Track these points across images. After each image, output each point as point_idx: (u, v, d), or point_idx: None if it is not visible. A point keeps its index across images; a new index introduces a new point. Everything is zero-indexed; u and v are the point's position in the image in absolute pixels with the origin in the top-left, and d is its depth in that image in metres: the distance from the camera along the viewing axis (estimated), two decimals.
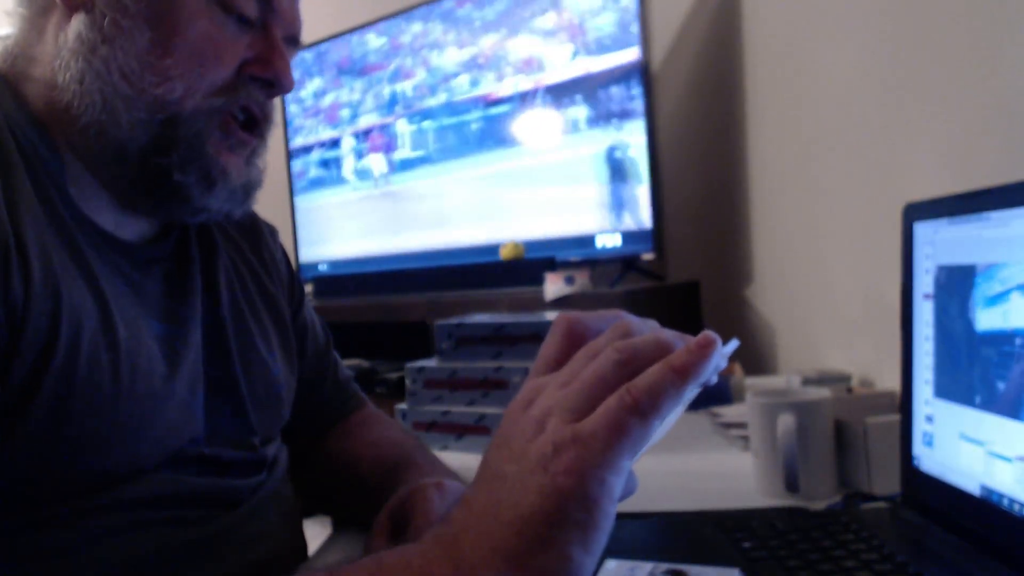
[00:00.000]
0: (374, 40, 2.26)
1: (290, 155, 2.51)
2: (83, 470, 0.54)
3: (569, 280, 1.62)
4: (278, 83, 0.65)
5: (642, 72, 1.73)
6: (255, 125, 0.66)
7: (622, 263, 1.79)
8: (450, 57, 2.08)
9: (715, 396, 1.14)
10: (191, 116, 0.61)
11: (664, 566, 0.58)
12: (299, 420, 0.79)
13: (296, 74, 0.73)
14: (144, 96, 0.60)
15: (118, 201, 0.63)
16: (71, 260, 0.57)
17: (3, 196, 0.53)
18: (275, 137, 0.68)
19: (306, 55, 2.41)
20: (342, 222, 2.42)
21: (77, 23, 0.59)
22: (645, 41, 1.74)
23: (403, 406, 1.14)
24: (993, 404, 0.58)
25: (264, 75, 0.64)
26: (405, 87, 2.19)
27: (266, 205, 0.77)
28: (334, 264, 2.43)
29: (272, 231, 0.84)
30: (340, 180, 2.39)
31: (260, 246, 0.80)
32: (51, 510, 0.54)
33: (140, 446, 0.57)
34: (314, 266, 2.48)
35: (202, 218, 0.66)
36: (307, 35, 0.72)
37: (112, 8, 0.59)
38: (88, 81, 0.59)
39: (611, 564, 0.59)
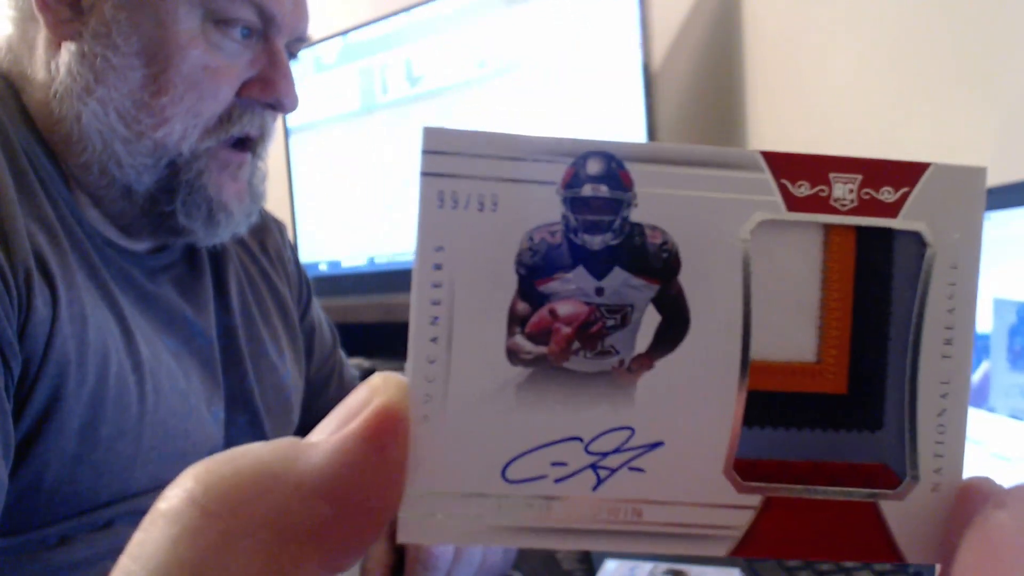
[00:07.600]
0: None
1: (291, 155, 2.51)
2: (105, 490, 0.54)
3: None
4: (280, 105, 0.62)
5: (642, 72, 1.72)
6: (252, 141, 0.64)
7: None
8: (450, 67, 2.08)
9: None
10: (191, 158, 0.60)
11: (664, 566, 0.58)
12: (304, 420, 0.79)
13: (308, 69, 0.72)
14: (144, 140, 0.58)
15: (124, 231, 0.63)
16: (90, 279, 0.56)
17: (24, 218, 0.52)
18: (276, 138, 0.68)
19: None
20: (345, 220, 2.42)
21: (67, 54, 0.57)
22: (645, 41, 1.73)
23: None
24: (993, 404, 0.58)
25: (265, 99, 0.61)
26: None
27: (267, 206, 0.77)
28: (334, 264, 2.43)
29: (281, 228, 0.83)
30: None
31: (269, 244, 0.79)
32: (70, 524, 0.53)
33: (162, 464, 0.57)
34: (314, 265, 2.48)
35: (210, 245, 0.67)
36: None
37: (102, 45, 0.57)
38: (85, 121, 0.57)
39: (611, 564, 0.59)
